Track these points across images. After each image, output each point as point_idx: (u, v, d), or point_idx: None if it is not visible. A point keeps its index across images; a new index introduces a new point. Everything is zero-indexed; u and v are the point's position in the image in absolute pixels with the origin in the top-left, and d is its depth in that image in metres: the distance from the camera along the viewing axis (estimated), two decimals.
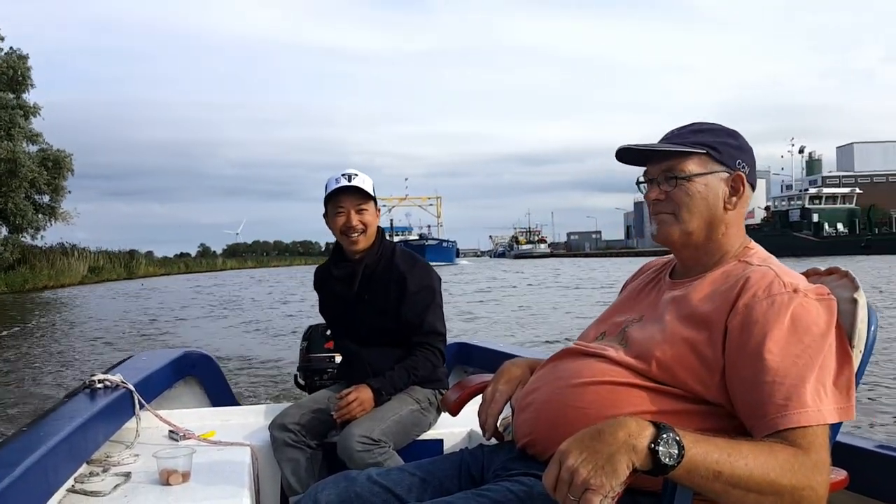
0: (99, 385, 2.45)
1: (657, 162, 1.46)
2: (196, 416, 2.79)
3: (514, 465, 1.44)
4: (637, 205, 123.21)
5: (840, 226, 63.76)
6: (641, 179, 1.51)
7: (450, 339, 3.47)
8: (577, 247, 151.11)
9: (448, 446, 2.59)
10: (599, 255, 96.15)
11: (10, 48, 29.58)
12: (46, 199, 31.04)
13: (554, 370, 1.48)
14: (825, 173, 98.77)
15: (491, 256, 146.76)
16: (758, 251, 1.46)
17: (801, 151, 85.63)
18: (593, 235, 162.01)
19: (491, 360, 3.07)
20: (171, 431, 2.56)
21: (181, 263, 67.69)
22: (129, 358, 3.35)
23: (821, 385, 1.22)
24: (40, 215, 31.02)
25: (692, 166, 1.42)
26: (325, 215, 2.63)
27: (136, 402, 2.50)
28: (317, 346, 3.12)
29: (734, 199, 1.44)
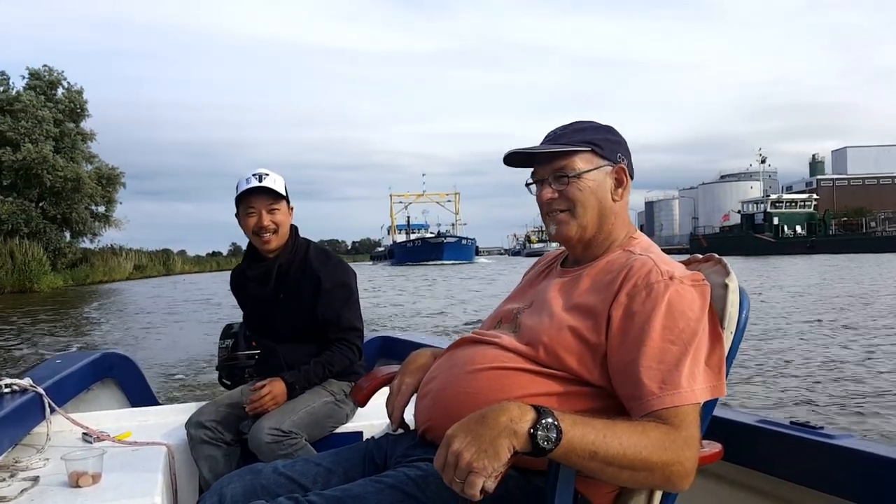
0: (6, 389, 2.39)
1: (546, 163, 1.51)
2: (112, 418, 2.75)
3: (414, 451, 1.48)
4: (648, 204, 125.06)
5: (798, 228, 71.72)
6: (530, 181, 1.56)
7: (377, 333, 3.64)
8: None
9: (367, 438, 2.69)
10: None
11: (69, 84, 36.04)
12: (102, 209, 37.61)
13: (450, 358, 1.53)
14: (822, 176, 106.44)
15: (510, 255, 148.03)
16: (641, 240, 1.53)
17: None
18: None
19: None
20: (84, 434, 2.52)
21: (213, 262, 72.45)
22: (43, 361, 3.28)
23: (695, 366, 1.29)
24: (97, 223, 37.42)
25: (580, 164, 1.48)
26: (236, 215, 2.62)
27: (47, 405, 2.44)
28: (243, 343, 3.09)
29: (619, 190, 1.52)
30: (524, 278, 1.74)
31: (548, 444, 1.11)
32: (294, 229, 2.66)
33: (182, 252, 71.15)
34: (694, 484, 1.24)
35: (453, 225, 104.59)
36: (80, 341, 12.04)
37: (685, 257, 1.61)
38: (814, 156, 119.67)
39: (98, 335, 13.18)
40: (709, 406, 1.36)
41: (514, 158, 1.54)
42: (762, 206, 75.59)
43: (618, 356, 1.33)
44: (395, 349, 3.43)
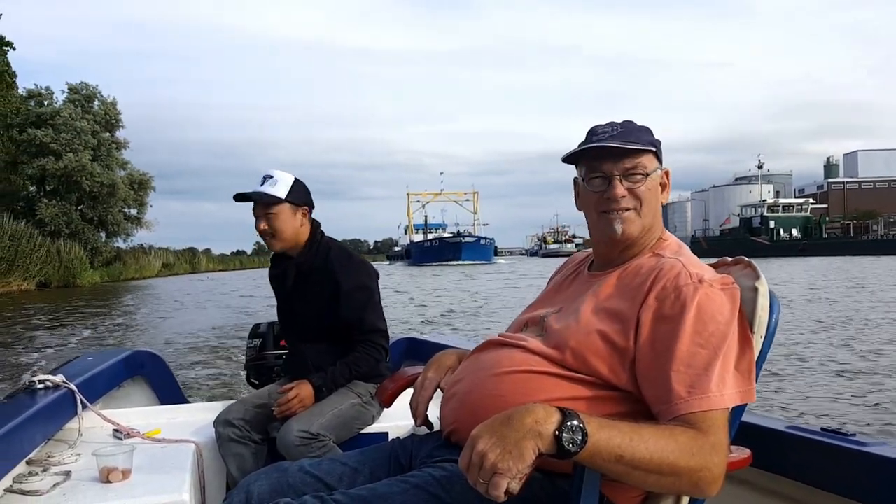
0: (39, 385, 2.44)
1: (617, 159, 1.46)
2: (142, 415, 2.79)
3: (439, 452, 1.48)
4: (663, 206, 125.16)
5: (795, 231, 76.46)
6: (595, 175, 1.49)
7: (403, 334, 3.69)
8: None
9: (393, 439, 2.58)
10: None
11: (104, 97, 39.33)
12: (134, 211, 40.93)
13: (476, 361, 1.53)
14: (833, 179, 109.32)
15: (528, 255, 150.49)
16: (671, 243, 1.52)
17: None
18: None
19: None
20: (115, 430, 2.55)
21: (237, 261, 77.55)
22: (75, 358, 3.32)
23: (725, 371, 1.28)
24: (130, 224, 40.69)
25: (648, 164, 1.48)
26: None
27: (79, 401, 2.49)
28: (271, 343, 3.13)
29: (664, 193, 1.53)
30: (550, 282, 1.74)
31: (573, 446, 1.11)
32: (315, 229, 2.65)
33: (207, 251, 73.95)
34: (722, 490, 1.23)
35: (473, 225, 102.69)
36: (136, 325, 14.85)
37: (713, 260, 1.58)
38: (828, 158, 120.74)
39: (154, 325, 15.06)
40: (737, 411, 1.35)
41: (585, 154, 1.49)
42: (759, 210, 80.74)
43: (646, 360, 1.32)
44: (421, 351, 3.44)
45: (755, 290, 1.41)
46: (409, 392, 1.73)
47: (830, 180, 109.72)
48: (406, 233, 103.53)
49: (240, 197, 2.55)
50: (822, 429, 1.65)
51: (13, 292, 26.07)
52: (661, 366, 1.29)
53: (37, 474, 2.11)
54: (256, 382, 3.12)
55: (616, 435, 1.15)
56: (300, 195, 2.59)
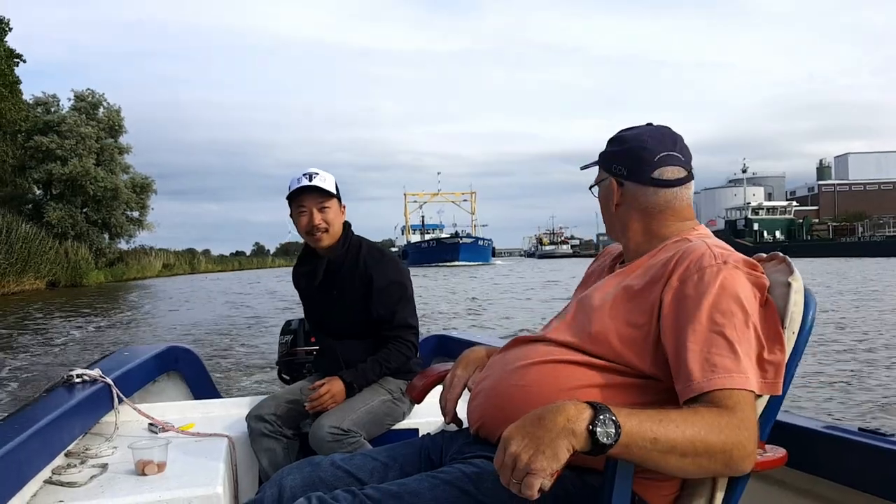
0: (77, 380, 2.49)
1: None
2: (177, 410, 2.84)
3: (469, 448, 1.48)
4: None
5: (778, 233, 78.12)
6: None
7: (432, 331, 3.76)
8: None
9: (423, 435, 2.52)
10: None
11: (108, 103, 41.04)
12: (136, 214, 42.43)
13: (503, 358, 1.53)
14: (824, 181, 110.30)
15: (526, 256, 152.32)
16: (701, 231, 1.51)
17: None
18: None
19: None
20: (150, 424, 2.60)
21: (236, 261, 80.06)
22: (111, 353, 3.38)
23: (746, 354, 1.26)
24: (132, 226, 42.27)
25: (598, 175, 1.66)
26: (290, 215, 2.66)
27: (115, 395, 2.54)
28: (302, 340, 3.17)
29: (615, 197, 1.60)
30: (585, 275, 1.74)
31: (608, 439, 1.10)
32: (347, 227, 2.67)
33: (206, 251, 75.40)
34: (757, 489, 1.24)
35: (472, 226, 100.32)
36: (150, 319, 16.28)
37: None
38: (821, 161, 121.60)
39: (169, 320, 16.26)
40: (772, 409, 1.34)
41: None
42: (743, 212, 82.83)
43: (668, 340, 1.31)
44: (451, 348, 3.46)
45: (788, 285, 1.39)
46: (439, 389, 1.73)
47: (821, 182, 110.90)
48: (403, 233, 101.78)
49: (300, 190, 2.56)
50: (860, 429, 1.62)
51: (26, 290, 27.62)
52: (681, 345, 1.28)
53: (75, 466, 2.16)
54: (288, 378, 3.17)
55: (646, 419, 1.14)
56: (339, 193, 2.66)
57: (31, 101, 38.25)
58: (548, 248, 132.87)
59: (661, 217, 1.51)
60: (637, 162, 1.51)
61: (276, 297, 22.31)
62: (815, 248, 64.32)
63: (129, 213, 41.68)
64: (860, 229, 73.99)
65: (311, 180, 2.56)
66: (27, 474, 1.86)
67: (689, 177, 1.53)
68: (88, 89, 40.35)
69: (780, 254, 1.51)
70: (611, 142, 1.59)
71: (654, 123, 1.58)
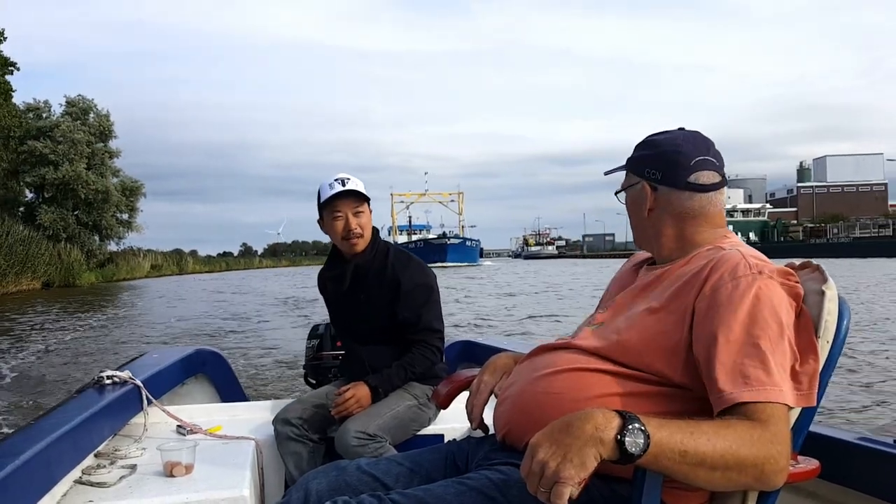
0: (107, 381, 2.52)
1: None
2: (204, 412, 2.86)
3: (495, 455, 1.47)
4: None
5: (752, 234, 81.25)
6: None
7: (457, 337, 3.79)
8: (594, 248, 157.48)
9: (449, 441, 2.51)
10: (608, 255, 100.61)
11: (98, 109, 41.87)
12: (126, 216, 43.43)
13: (530, 364, 1.52)
14: (803, 183, 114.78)
15: (514, 257, 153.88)
16: (731, 238, 1.50)
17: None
18: (606, 237, 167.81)
19: None
20: (178, 426, 2.62)
21: (223, 262, 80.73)
22: (141, 355, 3.41)
23: (780, 366, 1.23)
24: (122, 228, 43.30)
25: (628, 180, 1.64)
26: (319, 221, 2.65)
27: (144, 397, 2.57)
28: (328, 344, 3.20)
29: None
30: (611, 281, 1.71)
31: (636, 449, 1.08)
32: (375, 232, 2.68)
33: (194, 252, 77.41)
34: (789, 500, 1.21)
35: (461, 227, 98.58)
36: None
37: None
38: (801, 163, 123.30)
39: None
40: (805, 420, 1.31)
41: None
42: None
43: (700, 349, 1.28)
44: (477, 354, 3.45)
45: (822, 293, 1.36)
46: (465, 395, 1.72)
47: (800, 185, 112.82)
48: (390, 234, 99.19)
49: (336, 196, 2.55)
50: (895, 441, 1.59)
51: (23, 291, 28.70)
52: (714, 355, 1.25)
53: (104, 467, 2.17)
54: (314, 382, 3.19)
55: (676, 431, 1.12)
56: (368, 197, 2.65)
57: (22, 108, 39.34)
58: (533, 248, 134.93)
59: (695, 223, 1.49)
60: (672, 166, 1.48)
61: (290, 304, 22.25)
62: (785, 250, 65.86)
63: (118, 215, 42.85)
64: (836, 231, 75.40)
65: (344, 185, 2.56)
66: (58, 474, 1.89)
67: (724, 182, 1.51)
68: (79, 95, 41.57)
69: (813, 262, 1.48)
70: (641, 146, 1.56)
71: (685, 128, 1.55)
